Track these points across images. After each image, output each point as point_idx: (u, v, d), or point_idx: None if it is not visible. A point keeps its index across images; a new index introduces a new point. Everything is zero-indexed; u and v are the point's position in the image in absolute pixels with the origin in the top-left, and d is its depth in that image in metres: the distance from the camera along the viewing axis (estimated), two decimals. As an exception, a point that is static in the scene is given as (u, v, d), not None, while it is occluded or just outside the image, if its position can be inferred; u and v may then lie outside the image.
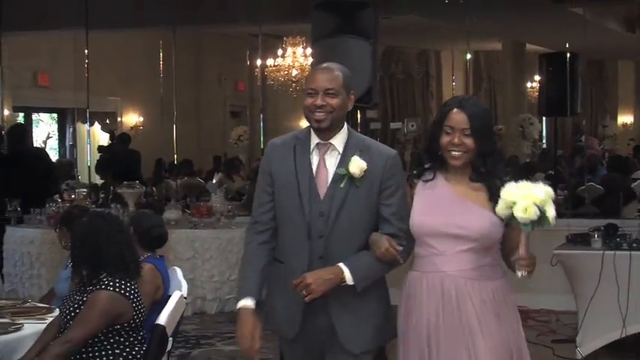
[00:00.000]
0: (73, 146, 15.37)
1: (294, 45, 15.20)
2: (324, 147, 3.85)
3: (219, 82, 17.25)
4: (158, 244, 5.59)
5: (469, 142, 3.76)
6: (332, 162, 3.84)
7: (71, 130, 15.48)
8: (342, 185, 3.78)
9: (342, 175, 3.78)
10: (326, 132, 3.82)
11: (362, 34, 6.45)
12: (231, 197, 11.98)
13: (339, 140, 3.85)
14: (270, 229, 3.89)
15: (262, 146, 14.30)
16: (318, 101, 3.77)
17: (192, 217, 10.07)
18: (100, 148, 14.19)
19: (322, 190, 3.81)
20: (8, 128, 10.65)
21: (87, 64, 12.34)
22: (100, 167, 13.40)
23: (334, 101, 3.78)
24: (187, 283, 5.49)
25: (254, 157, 14.50)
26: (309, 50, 14.24)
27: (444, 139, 3.79)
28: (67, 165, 13.98)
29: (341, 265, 3.74)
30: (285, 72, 15.25)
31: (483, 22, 13.43)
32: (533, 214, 3.54)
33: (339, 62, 6.26)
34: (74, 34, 12.75)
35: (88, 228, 4.62)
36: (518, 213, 3.55)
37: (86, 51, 12.26)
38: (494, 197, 3.69)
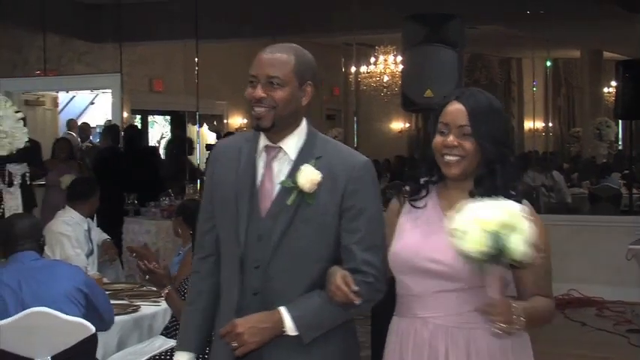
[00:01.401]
0: (184, 144, 15.58)
1: (385, 53, 15.19)
2: (273, 152, 2.75)
3: (316, 87, 17.32)
4: None
5: (468, 144, 2.65)
6: (281, 171, 2.73)
7: (183, 130, 15.71)
8: (289, 201, 2.67)
9: (289, 188, 2.68)
10: (273, 133, 2.74)
11: (449, 43, 6.42)
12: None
13: (291, 144, 2.74)
14: (213, 254, 2.84)
15: (355, 146, 14.34)
16: (258, 92, 2.72)
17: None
18: (208, 147, 14.32)
19: (265, 207, 2.71)
20: (124, 128, 10.86)
21: (197, 71, 12.50)
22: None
23: (279, 94, 2.69)
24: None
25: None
26: (399, 58, 14.21)
27: (437, 140, 2.70)
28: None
29: (282, 309, 2.62)
30: (377, 78, 15.23)
31: (562, 32, 13.23)
32: (483, 245, 2.38)
33: (428, 69, 6.27)
34: (185, 44, 12.93)
35: None
36: (466, 246, 2.40)
37: (196, 59, 12.42)
38: None
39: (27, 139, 5.02)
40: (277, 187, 2.71)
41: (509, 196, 2.56)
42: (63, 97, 14.06)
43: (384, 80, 15.16)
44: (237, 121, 16.46)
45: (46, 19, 11.95)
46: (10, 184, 5.22)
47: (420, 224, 2.72)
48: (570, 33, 14.17)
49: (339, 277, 2.52)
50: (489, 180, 2.65)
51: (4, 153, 4.88)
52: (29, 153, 9.17)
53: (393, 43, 14.54)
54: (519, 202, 2.56)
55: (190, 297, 2.91)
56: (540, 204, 11.72)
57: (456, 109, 2.67)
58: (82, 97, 14.73)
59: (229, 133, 14.76)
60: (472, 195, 2.63)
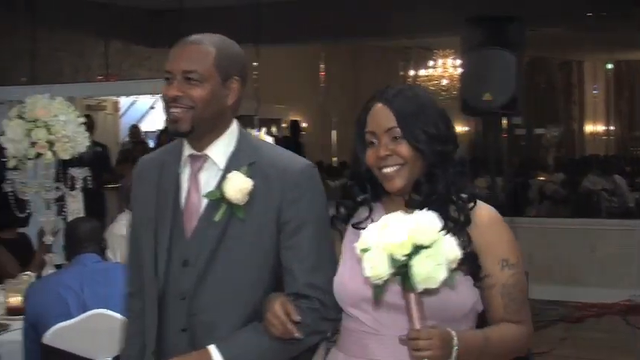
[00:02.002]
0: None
1: (444, 56, 15.13)
2: (199, 161, 2.34)
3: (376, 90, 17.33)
4: None
5: (404, 148, 2.24)
6: (209, 183, 2.32)
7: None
8: (216, 217, 2.25)
9: (216, 201, 2.26)
10: (195, 139, 2.32)
11: (509, 46, 6.37)
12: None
13: (219, 150, 2.32)
14: (140, 291, 2.42)
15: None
16: (172, 90, 2.29)
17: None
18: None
19: (191, 226, 2.30)
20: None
21: (256, 75, 12.57)
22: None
23: (197, 91, 2.26)
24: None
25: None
26: (458, 61, 14.13)
27: (369, 154, 2.28)
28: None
29: (211, 348, 2.22)
30: (436, 81, 15.18)
31: (625, 34, 13.01)
32: (382, 269, 1.98)
33: (487, 72, 6.23)
34: (245, 48, 13.03)
35: None
36: (366, 271, 2.00)
37: (255, 63, 12.49)
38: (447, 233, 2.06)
39: (88, 144, 5.08)
40: (204, 202, 2.29)
41: (457, 202, 2.22)
42: (124, 101, 14.24)
43: (443, 84, 15.10)
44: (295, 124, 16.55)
45: (107, 25, 12.13)
46: (73, 188, 5.29)
47: None
48: (633, 35, 13.95)
49: (278, 304, 2.13)
50: (427, 185, 2.23)
51: (66, 157, 4.94)
52: (100, 158, 9.37)
53: (452, 46, 14.47)
54: (467, 207, 2.23)
55: (122, 342, 2.49)
56: (602, 208, 11.55)
57: (379, 112, 2.27)
58: (143, 101, 14.91)
59: (288, 137, 14.84)
60: (408, 205, 2.22)
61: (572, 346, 7.15)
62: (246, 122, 15.08)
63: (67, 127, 4.86)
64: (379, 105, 2.28)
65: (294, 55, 15.69)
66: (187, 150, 2.34)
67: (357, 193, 2.35)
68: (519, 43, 6.45)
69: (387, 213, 2.13)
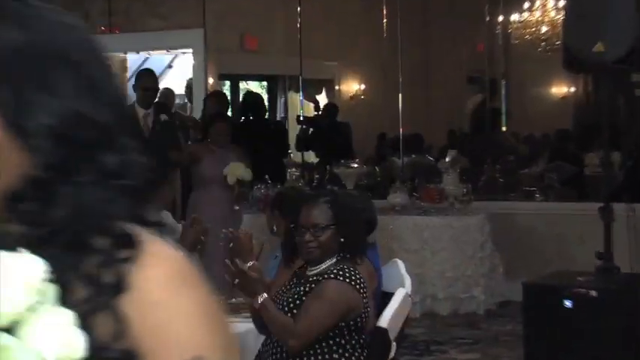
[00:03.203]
0: (285, 118, 15.71)
1: (543, -4, 15.01)
2: None
3: (453, 42, 17.21)
4: (366, 231, 5.65)
5: None
6: None
7: (282, 100, 15.84)
8: None
9: None
10: None
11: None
12: (467, 179, 11.96)
13: None
14: None
15: (504, 117, 14.25)
16: None
17: (421, 202, 10.11)
18: (302, 120, 14.23)
19: None
20: (244, 95, 11.04)
21: (299, 24, 12.59)
22: (301, 143, 13.63)
23: None
24: (414, 279, 5.52)
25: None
26: (561, 2, 14.01)
27: None
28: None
29: None
30: (533, 29, 15.05)
31: None
32: None
33: (598, 16, 6.17)
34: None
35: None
36: None
37: (298, 8, 12.52)
38: None
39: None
40: None
41: (101, 246, 1.34)
42: (133, 60, 14.35)
43: (542, 31, 14.97)
44: (351, 87, 16.52)
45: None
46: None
47: None
48: None
49: None
50: (35, 205, 1.34)
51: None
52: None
53: (554, -18, 14.35)
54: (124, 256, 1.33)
55: None
56: None
57: None
58: (157, 59, 15.00)
59: (329, 104, 14.78)
60: None
61: None
62: (288, 84, 15.18)
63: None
64: None
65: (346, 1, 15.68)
66: None
67: None
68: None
69: None
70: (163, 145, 8.75)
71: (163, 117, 9.30)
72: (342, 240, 4.56)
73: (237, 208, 8.63)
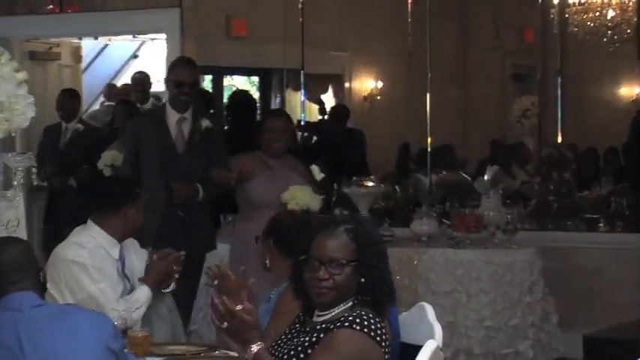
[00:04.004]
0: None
1: (610, -27, 15.06)
2: None
3: (496, 30, 17.23)
4: None
5: None
6: None
7: (278, 100, 15.83)
8: None
9: None
10: None
11: None
12: (511, 201, 11.93)
13: None
14: None
15: (559, 125, 14.23)
16: None
17: (453, 231, 10.09)
18: (303, 127, 14.19)
19: None
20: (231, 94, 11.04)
21: (301, 3, 12.61)
22: (303, 155, 13.63)
23: None
24: (445, 329, 5.49)
25: (546, 142, 14.40)
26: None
27: None
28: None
29: None
30: (596, 13, 15.08)
31: None
32: None
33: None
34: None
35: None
36: None
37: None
38: None
39: (33, 114, 5.11)
40: None
41: None
42: (89, 47, 14.38)
43: (608, 17, 15.00)
44: (366, 84, 16.49)
45: None
46: (7, 187, 5.35)
47: None
48: None
49: None
50: None
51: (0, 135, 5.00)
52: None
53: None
54: None
55: None
56: None
57: None
58: (119, 46, 15.03)
59: (339, 107, 14.76)
60: None
61: None
62: (285, 80, 15.17)
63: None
64: None
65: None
66: None
67: None
68: None
69: None
70: (205, 160, 8.48)
71: (205, 123, 8.67)
72: (362, 280, 4.53)
73: None
